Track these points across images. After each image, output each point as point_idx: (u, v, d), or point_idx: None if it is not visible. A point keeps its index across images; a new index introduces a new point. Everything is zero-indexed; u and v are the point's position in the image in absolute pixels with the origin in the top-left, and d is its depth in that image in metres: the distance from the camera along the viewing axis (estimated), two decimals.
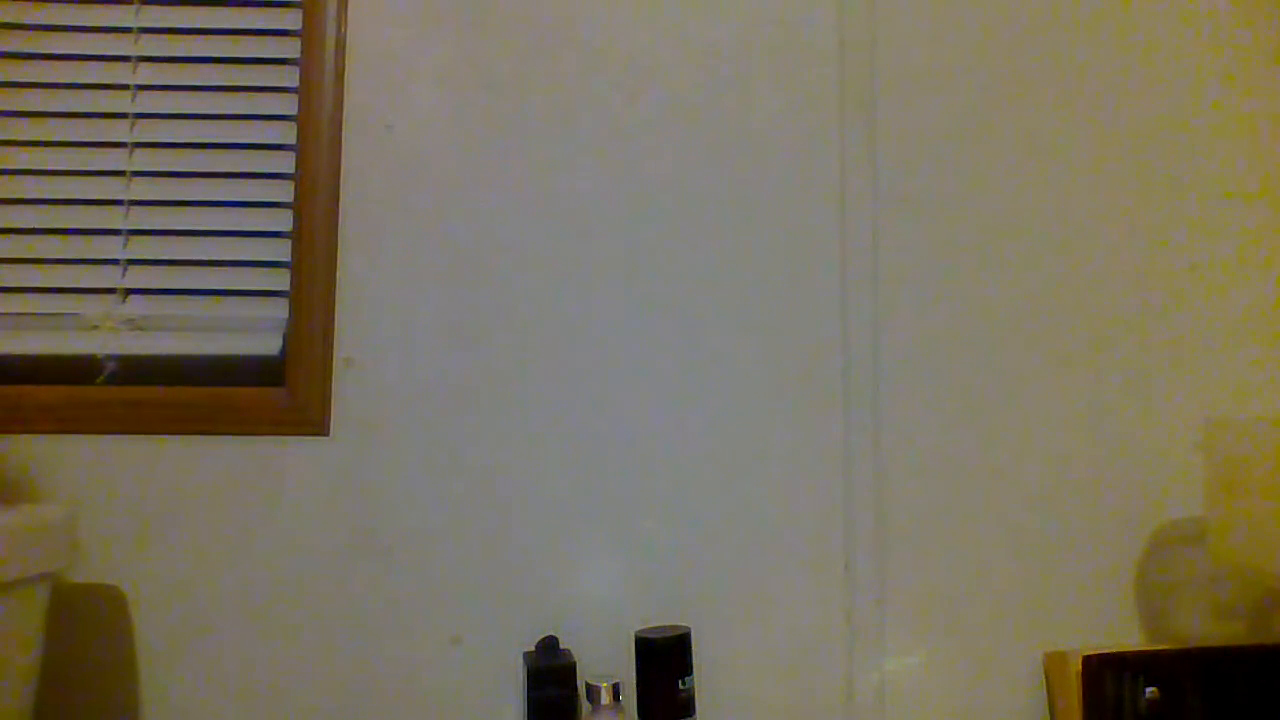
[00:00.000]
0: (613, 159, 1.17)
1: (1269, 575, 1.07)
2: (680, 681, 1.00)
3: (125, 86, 1.16)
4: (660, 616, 1.09)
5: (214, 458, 1.09)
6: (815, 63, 1.19)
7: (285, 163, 1.16)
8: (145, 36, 1.17)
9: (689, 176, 1.17)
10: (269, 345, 1.14)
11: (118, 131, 1.16)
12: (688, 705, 1.00)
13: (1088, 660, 1.04)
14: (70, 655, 1.04)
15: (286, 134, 1.16)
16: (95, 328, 1.14)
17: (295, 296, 1.12)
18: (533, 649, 1.05)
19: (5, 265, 1.14)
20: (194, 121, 1.17)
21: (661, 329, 1.15)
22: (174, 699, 1.06)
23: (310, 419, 1.10)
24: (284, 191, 1.16)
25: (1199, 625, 1.12)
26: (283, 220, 1.16)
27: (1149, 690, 1.03)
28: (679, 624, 1.06)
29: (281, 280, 1.15)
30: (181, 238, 1.16)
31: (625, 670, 1.03)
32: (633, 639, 1.02)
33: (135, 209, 1.15)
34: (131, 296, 1.15)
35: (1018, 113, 1.20)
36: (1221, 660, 1.05)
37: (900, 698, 1.11)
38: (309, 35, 1.15)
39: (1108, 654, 1.05)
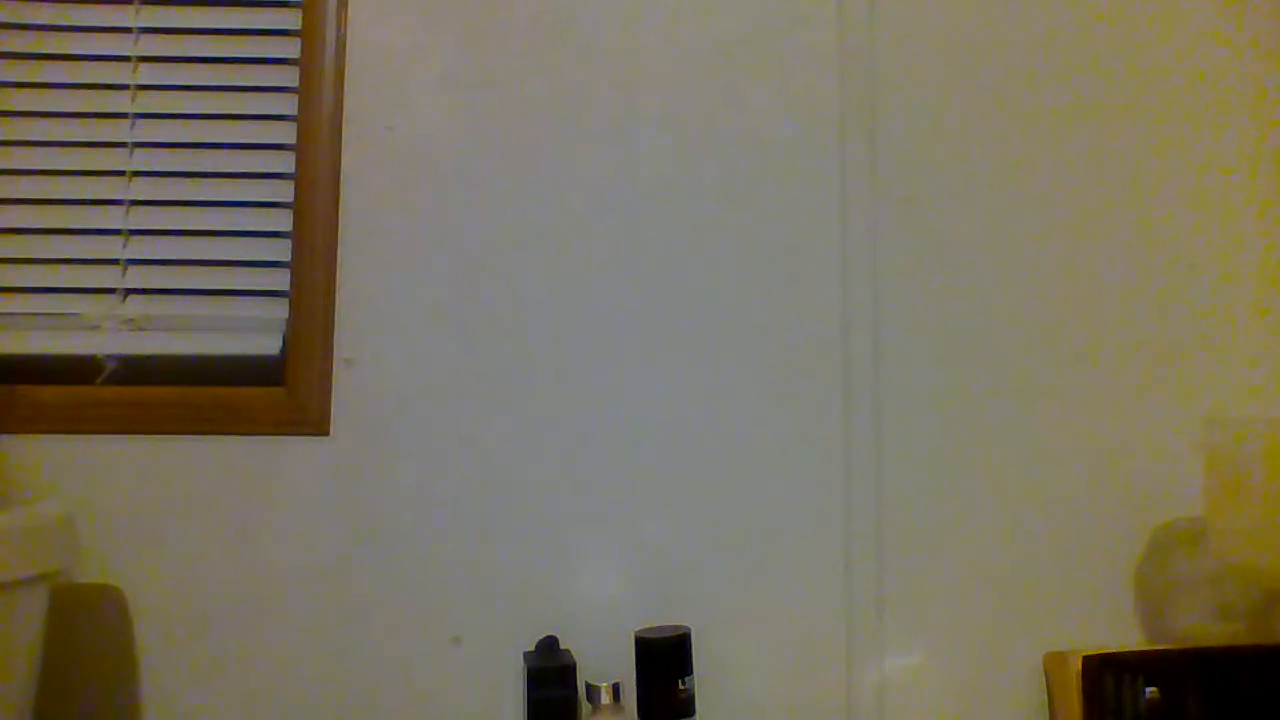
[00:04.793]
0: (612, 159, 1.17)
1: (1269, 575, 1.07)
2: (680, 681, 1.00)
3: (125, 86, 1.16)
4: (660, 616, 1.09)
5: (214, 458, 1.09)
6: (815, 62, 1.19)
7: (285, 163, 1.16)
8: (145, 36, 1.17)
9: (689, 176, 1.17)
10: (269, 345, 1.14)
11: (118, 131, 1.16)
12: (688, 705, 1.00)
13: (1088, 660, 1.04)
14: (70, 655, 1.04)
15: (286, 134, 1.16)
16: (95, 328, 1.14)
17: (295, 296, 1.12)
18: (533, 649, 1.05)
19: (5, 265, 1.14)
20: (194, 121, 1.17)
21: (661, 330, 1.15)
22: (174, 699, 1.06)
23: (310, 419, 1.10)
24: (284, 191, 1.16)
25: (1199, 625, 1.12)
26: (283, 220, 1.16)
27: (1149, 690, 1.03)
28: (679, 624, 1.06)
29: (281, 280, 1.15)
30: (181, 238, 1.16)
31: (625, 670, 1.03)
32: (633, 639, 1.02)
33: (135, 209, 1.15)
34: (131, 296, 1.15)
35: (1017, 113, 1.20)
36: (1221, 660, 1.05)
37: (900, 698, 1.11)
38: (309, 35, 1.15)
39: (1108, 654, 1.05)
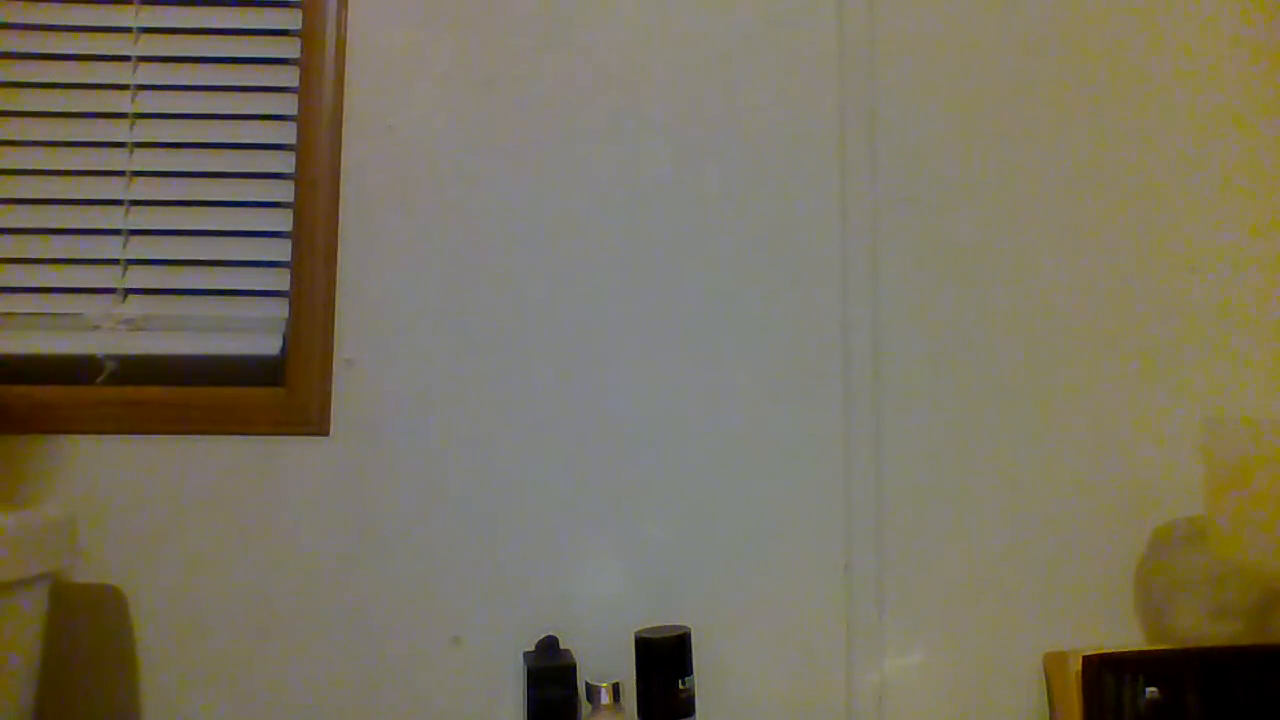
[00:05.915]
0: (612, 159, 1.17)
1: (1269, 575, 1.07)
2: (680, 681, 1.00)
3: (125, 86, 1.16)
4: (660, 616, 1.09)
5: (214, 458, 1.09)
6: (815, 63, 1.19)
7: (285, 163, 1.16)
8: (145, 36, 1.17)
9: (689, 176, 1.17)
10: (269, 345, 1.14)
11: (118, 131, 1.16)
12: (688, 705, 1.00)
13: (1088, 660, 1.04)
14: (70, 655, 1.04)
15: (286, 134, 1.16)
16: (95, 328, 1.14)
17: (295, 296, 1.12)
18: (533, 649, 1.05)
19: (5, 265, 1.14)
20: (194, 121, 1.17)
21: (662, 330, 1.15)
22: (174, 699, 1.06)
23: (310, 419, 1.10)
24: (284, 191, 1.16)
25: (1199, 625, 1.12)
26: (283, 220, 1.16)
27: (1149, 690, 1.03)
28: (679, 624, 1.06)
29: (281, 280, 1.15)
30: (181, 238, 1.16)
31: (625, 670, 1.03)
32: (633, 639, 1.02)
33: (135, 209, 1.15)
34: (131, 296, 1.15)
35: (1017, 113, 1.20)
36: (1221, 660, 1.05)
37: (900, 698, 1.11)
38: (309, 35, 1.15)
39: (1108, 654, 1.05)
